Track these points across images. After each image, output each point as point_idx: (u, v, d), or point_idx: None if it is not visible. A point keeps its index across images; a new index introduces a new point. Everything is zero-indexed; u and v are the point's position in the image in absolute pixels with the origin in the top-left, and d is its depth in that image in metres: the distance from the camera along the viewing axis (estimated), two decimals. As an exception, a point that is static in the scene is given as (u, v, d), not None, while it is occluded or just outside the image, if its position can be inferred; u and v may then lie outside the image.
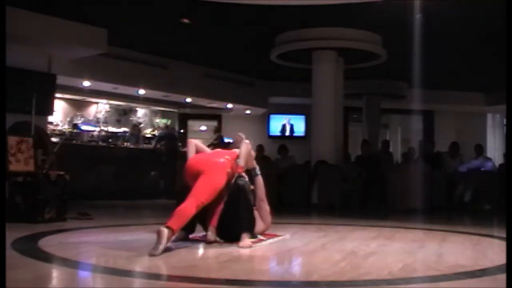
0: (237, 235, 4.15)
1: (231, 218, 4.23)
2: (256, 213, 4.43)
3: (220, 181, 4.15)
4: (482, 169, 10.28)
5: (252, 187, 4.47)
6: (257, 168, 4.68)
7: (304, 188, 10.12)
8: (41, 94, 8.24)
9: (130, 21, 9.67)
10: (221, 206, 4.29)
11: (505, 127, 16.39)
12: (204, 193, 4.03)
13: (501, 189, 9.02)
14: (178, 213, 3.90)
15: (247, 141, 4.54)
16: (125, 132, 12.94)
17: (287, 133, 15.50)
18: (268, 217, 4.61)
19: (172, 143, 12.25)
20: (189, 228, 4.38)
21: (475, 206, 9.69)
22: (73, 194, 6.46)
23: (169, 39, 10.77)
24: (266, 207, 4.61)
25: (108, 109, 13.31)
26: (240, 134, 4.67)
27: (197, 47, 11.25)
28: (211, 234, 4.23)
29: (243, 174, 4.35)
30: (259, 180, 4.65)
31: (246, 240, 4.11)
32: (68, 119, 12.35)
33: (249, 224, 4.24)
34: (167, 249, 3.97)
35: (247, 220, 4.23)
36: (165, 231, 3.68)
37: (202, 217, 4.43)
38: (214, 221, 4.26)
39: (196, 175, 4.14)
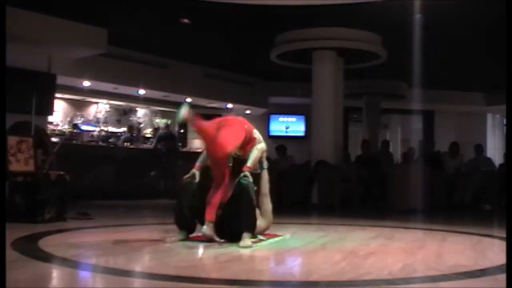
0: (238, 234, 4.15)
1: (233, 217, 4.23)
2: (257, 212, 4.42)
3: (241, 134, 4.38)
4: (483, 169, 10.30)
5: (258, 170, 4.47)
6: (265, 162, 4.67)
7: (304, 188, 10.12)
8: (41, 94, 8.25)
9: (130, 21, 9.67)
10: (218, 197, 4.25)
11: (505, 127, 16.39)
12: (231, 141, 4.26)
13: (501, 189, 9.02)
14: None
15: (259, 146, 4.55)
16: (125, 132, 12.95)
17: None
18: (270, 215, 4.60)
19: (172, 143, 12.25)
20: (189, 228, 4.39)
21: (475, 206, 9.70)
22: (73, 194, 6.46)
23: (169, 39, 10.77)
24: (268, 204, 4.59)
25: (108, 109, 13.32)
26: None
27: (197, 47, 11.25)
28: (206, 229, 4.16)
29: (248, 174, 4.33)
30: (265, 174, 4.65)
31: (246, 240, 4.11)
32: (68, 119, 12.36)
33: (250, 224, 4.23)
34: (167, 249, 3.98)
35: (249, 220, 4.22)
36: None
37: (201, 217, 4.43)
38: (211, 215, 4.19)
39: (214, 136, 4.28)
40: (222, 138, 4.27)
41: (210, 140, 4.33)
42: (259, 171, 4.57)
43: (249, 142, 4.51)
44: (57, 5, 8.48)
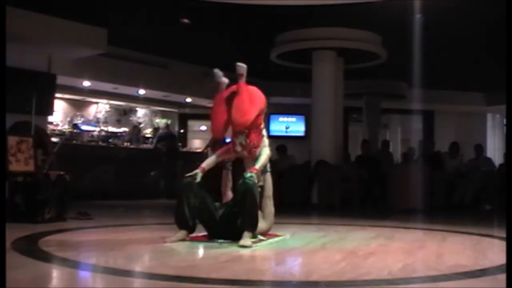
0: (239, 233, 4.15)
1: (235, 216, 4.23)
2: (260, 214, 4.41)
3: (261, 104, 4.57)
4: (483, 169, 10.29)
5: (261, 183, 4.47)
6: (268, 165, 4.67)
7: (304, 188, 10.12)
8: (41, 94, 8.25)
9: (130, 21, 9.67)
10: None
11: (505, 127, 16.39)
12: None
13: (501, 189, 9.01)
14: None
15: (267, 151, 4.57)
16: (125, 132, 12.95)
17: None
18: (271, 217, 4.59)
19: (172, 143, 12.25)
20: (189, 228, 4.38)
21: (475, 206, 9.69)
22: (73, 194, 6.46)
23: (169, 39, 10.77)
24: (271, 207, 4.58)
25: (108, 109, 13.32)
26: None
27: (197, 47, 11.24)
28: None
29: (254, 174, 4.32)
30: (268, 177, 4.65)
31: (246, 239, 4.10)
32: (68, 119, 12.36)
33: (252, 224, 4.23)
34: (167, 249, 3.98)
35: (251, 220, 4.22)
36: None
37: (202, 217, 4.44)
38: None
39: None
40: (243, 105, 4.44)
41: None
42: (261, 183, 4.55)
43: (258, 131, 4.54)
44: (57, 5, 8.47)
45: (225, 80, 4.83)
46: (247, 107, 4.42)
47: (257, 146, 4.52)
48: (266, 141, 4.66)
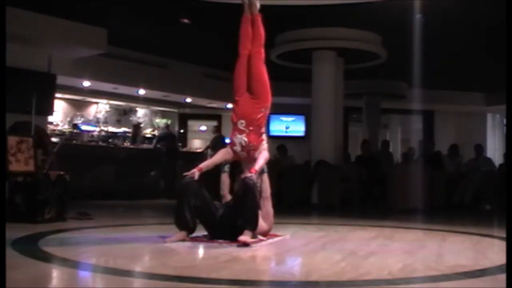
0: (239, 233, 4.14)
1: (236, 216, 4.23)
2: (259, 213, 4.41)
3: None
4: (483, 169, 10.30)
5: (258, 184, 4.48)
6: (265, 166, 4.67)
7: (304, 188, 10.12)
8: (41, 94, 8.25)
9: (130, 21, 9.67)
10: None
11: (505, 127, 16.39)
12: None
13: (501, 189, 9.02)
14: None
15: (266, 155, 4.56)
16: (125, 132, 12.94)
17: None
18: (271, 218, 4.58)
19: (172, 143, 12.25)
20: (189, 228, 4.38)
21: (475, 206, 9.69)
22: (73, 194, 6.46)
23: (169, 39, 10.77)
24: (269, 207, 4.57)
25: (108, 109, 13.32)
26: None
27: (197, 47, 11.24)
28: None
29: (253, 174, 4.32)
30: (265, 178, 4.65)
31: (247, 236, 4.10)
32: (68, 119, 12.36)
33: (252, 223, 4.23)
34: (167, 249, 3.98)
35: (252, 219, 4.22)
36: None
37: (202, 217, 4.43)
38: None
39: None
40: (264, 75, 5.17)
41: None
42: (258, 184, 4.56)
43: (258, 132, 4.61)
44: (57, 5, 8.48)
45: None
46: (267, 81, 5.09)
47: (256, 148, 4.53)
48: (265, 145, 4.65)
